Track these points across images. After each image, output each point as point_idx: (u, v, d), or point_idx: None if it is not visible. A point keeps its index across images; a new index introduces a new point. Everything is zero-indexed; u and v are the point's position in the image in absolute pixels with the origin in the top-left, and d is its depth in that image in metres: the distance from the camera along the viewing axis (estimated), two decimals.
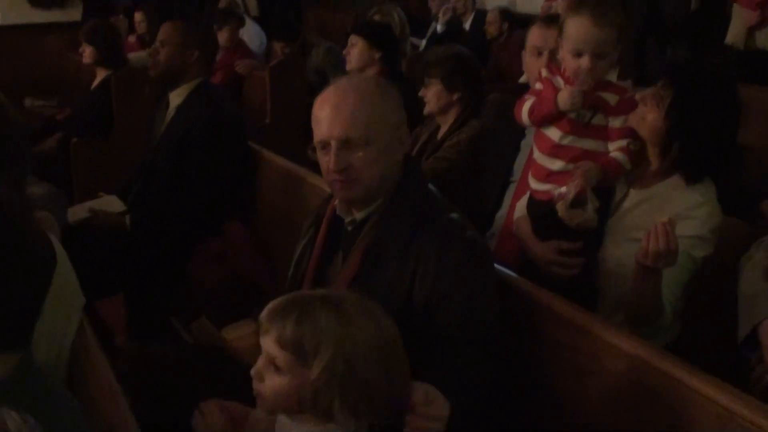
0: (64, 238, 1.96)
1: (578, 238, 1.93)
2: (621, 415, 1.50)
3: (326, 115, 1.63)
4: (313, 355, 1.26)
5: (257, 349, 1.71)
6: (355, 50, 3.33)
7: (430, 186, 1.74)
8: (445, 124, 2.80)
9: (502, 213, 2.36)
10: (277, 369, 1.29)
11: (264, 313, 1.30)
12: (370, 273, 1.61)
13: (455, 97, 2.77)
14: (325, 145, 1.65)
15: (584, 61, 1.85)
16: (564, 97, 1.88)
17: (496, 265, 1.73)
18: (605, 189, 1.93)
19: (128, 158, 3.38)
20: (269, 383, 1.29)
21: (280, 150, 2.96)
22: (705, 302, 1.99)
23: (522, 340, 1.70)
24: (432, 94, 2.77)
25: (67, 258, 1.61)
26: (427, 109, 2.81)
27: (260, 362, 1.30)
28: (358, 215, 1.70)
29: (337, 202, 1.76)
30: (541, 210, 1.99)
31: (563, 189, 1.90)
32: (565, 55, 1.90)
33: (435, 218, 1.63)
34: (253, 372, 1.29)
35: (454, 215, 1.66)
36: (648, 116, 1.87)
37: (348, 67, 3.38)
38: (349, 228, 1.72)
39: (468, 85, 2.79)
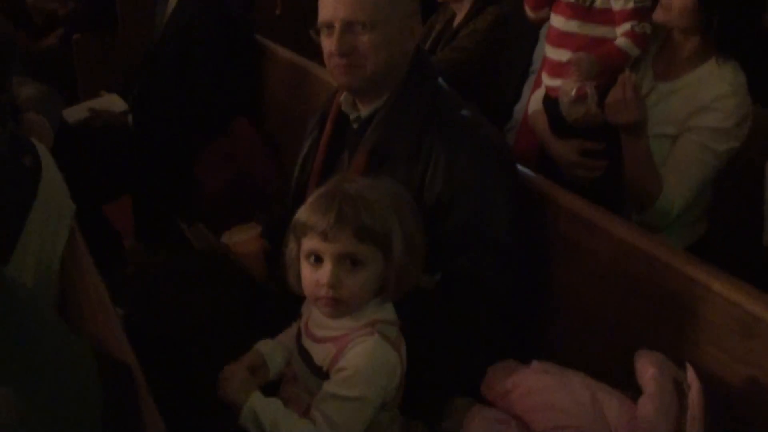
0: (63, 140, 1.92)
1: (601, 137, 1.85)
2: (642, 319, 1.46)
3: None
4: (389, 234, 1.23)
5: (257, 255, 1.73)
6: None
7: (441, 81, 1.66)
8: (461, 11, 2.64)
9: (521, 106, 2.28)
10: (357, 264, 1.24)
11: (318, 222, 1.23)
12: (376, 174, 1.53)
13: None
14: (329, 26, 1.57)
15: None
16: None
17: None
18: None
19: (135, 54, 3.21)
20: (350, 283, 1.24)
21: (291, 44, 2.83)
22: (733, 199, 1.93)
23: (540, 243, 1.64)
24: None
25: (55, 167, 1.55)
26: None
27: (330, 268, 1.23)
28: (364, 111, 1.64)
29: (342, 97, 1.69)
30: (556, 108, 1.90)
31: (559, 82, 1.83)
32: None
33: (445, 115, 1.57)
34: (328, 280, 1.23)
35: (465, 112, 1.59)
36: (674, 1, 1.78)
37: None
38: (355, 126, 1.66)
39: None
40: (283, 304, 1.49)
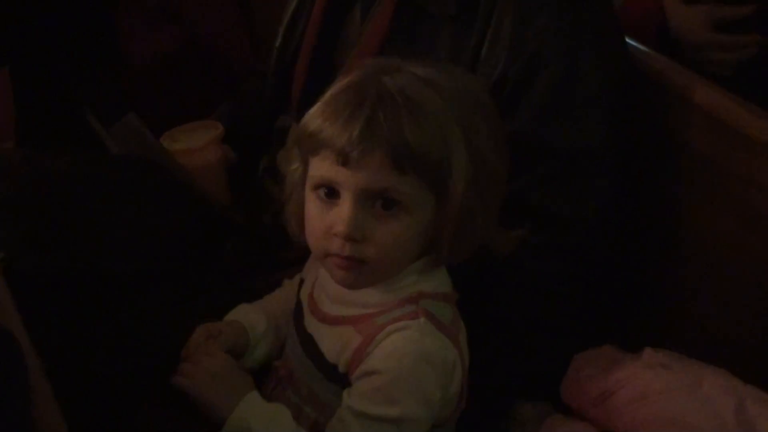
0: None
1: None
2: None
3: None
4: (447, 161, 1.12)
5: (215, 169, 1.66)
6: None
7: None
8: None
9: None
10: (392, 206, 1.11)
11: (336, 134, 1.11)
12: (409, 36, 1.41)
13: None
14: None
15: None
16: None
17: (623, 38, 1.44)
18: None
19: None
20: (380, 235, 1.11)
21: None
22: None
23: (664, 166, 1.45)
24: None
25: None
26: None
27: (349, 210, 1.11)
28: None
29: None
30: None
31: None
32: None
33: None
34: (345, 229, 1.11)
35: None
36: None
37: None
38: None
39: None
40: (261, 248, 1.47)
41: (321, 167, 1.10)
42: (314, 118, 1.12)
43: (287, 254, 1.39)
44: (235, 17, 2.45)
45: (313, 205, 1.12)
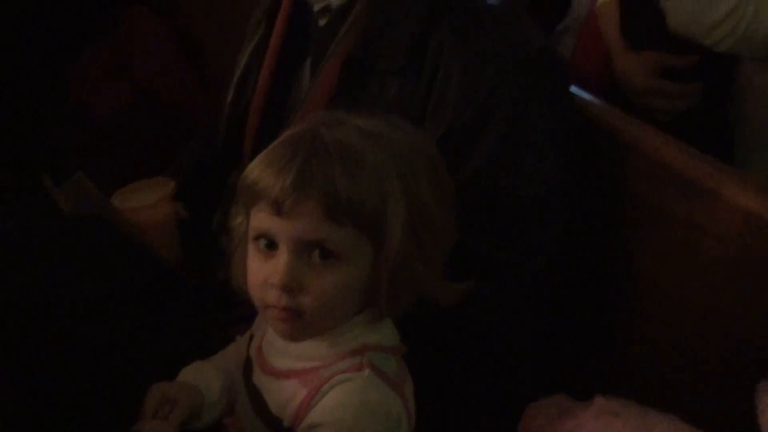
0: None
1: (691, 47, 1.67)
2: (746, 305, 1.30)
3: None
4: (382, 212, 1.13)
5: (167, 226, 1.66)
6: None
7: None
8: None
9: None
10: (329, 257, 1.12)
11: (270, 184, 1.13)
12: (356, 91, 1.42)
13: None
14: None
15: None
16: None
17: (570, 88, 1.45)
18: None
19: None
20: (317, 286, 1.12)
21: None
22: None
23: (612, 213, 1.47)
24: None
25: None
26: None
27: (285, 261, 1.11)
28: None
29: None
30: None
31: None
32: None
33: (461, 6, 1.40)
34: (280, 279, 1.11)
35: (493, 1, 1.44)
36: None
37: None
38: (322, 22, 1.49)
39: None
40: (211, 306, 1.46)
41: (259, 218, 1.12)
42: (253, 169, 1.14)
43: (240, 310, 1.36)
44: (188, 72, 2.49)
45: (253, 257, 1.14)
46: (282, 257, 1.10)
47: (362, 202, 1.10)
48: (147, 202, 1.66)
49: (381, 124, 1.20)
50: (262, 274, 1.12)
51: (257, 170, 1.13)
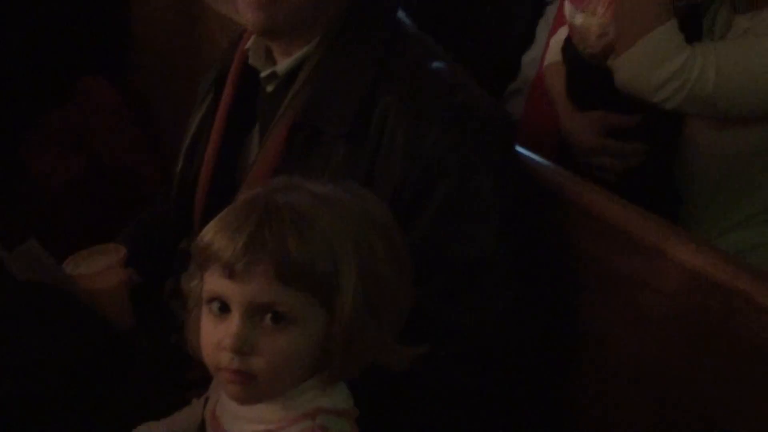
0: None
1: (638, 105, 1.68)
2: (719, 385, 1.30)
3: None
4: (333, 276, 1.12)
5: (119, 292, 1.62)
6: None
7: (402, 16, 1.48)
8: None
9: (533, 55, 2.06)
10: (280, 320, 1.11)
11: (223, 248, 1.13)
12: (304, 156, 1.42)
13: None
14: None
15: None
16: None
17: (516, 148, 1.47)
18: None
19: None
20: (269, 350, 1.11)
21: None
22: None
23: (558, 271, 1.48)
24: None
25: None
26: None
27: (237, 324, 1.11)
28: (282, 65, 1.49)
29: (249, 44, 1.52)
30: (581, 57, 1.73)
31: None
32: None
33: (407, 69, 1.41)
34: (231, 343, 1.11)
35: (439, 64, 1.42)
36: None
37: None
38: (269, 88, 1.51)
39: None
40: (165, 370, 1.46)
41: (212, 281, 1.12)
42: (207, 232, 1.14)
43: (194, 374, 1.36)
44: (140, 140, 2.48)
45: (207, 320, 1.14)
46: (234, 320, 1.10)
47: (313, 265, 1.09)
48: (99, 268, 1.64)
49: (335, 189, 1.20)
50: (215, 337, 1.11)
51: (211, 233, 1.13)
